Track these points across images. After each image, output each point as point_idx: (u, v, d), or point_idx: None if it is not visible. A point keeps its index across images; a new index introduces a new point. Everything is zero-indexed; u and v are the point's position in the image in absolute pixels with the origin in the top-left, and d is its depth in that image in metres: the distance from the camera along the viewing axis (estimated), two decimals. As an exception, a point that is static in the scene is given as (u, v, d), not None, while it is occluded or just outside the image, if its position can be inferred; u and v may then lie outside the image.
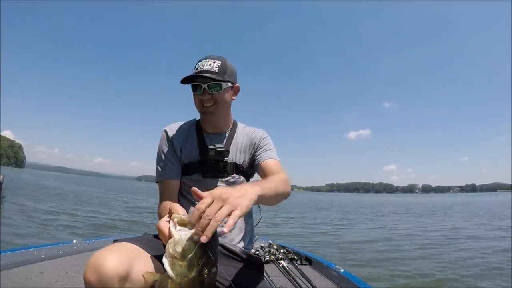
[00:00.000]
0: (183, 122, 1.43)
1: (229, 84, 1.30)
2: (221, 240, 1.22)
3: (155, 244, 1.09)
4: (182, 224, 0.79)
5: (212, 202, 0.73)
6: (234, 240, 1.29)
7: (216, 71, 1.25)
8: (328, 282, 2.13)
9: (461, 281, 4.88)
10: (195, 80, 1.25)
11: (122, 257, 0.89)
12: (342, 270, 2.12)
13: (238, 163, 1.34)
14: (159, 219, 1.12)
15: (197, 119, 1.42)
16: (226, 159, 1.29)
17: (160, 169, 1.34)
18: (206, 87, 1.24)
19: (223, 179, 1.31)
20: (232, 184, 1.30)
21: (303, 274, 2.14)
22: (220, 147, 1.29)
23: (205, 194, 0.74)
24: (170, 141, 1.35)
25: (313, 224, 13.02)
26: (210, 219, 0.70)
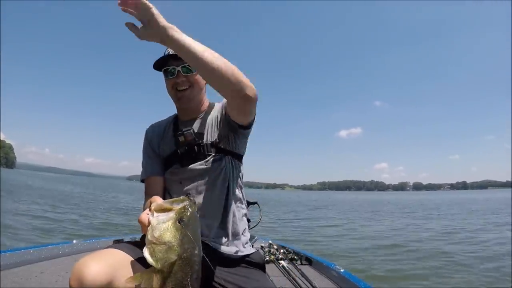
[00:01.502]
0: (165, 118, 1.44)
1: None
2: (214, 243, 1.18)
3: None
4: (161, 210, 0.79)
5: None
6: (226, 241, 1.22)
7: None
8: (328, 282, 2.14)
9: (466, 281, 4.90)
10: (168, 64, 1.23)
11: (104, 266, 0.87)
12: (342, 270, 2.14)
13: (215, 140, 1.24)
14: None
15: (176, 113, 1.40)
16: (201, 142, 1.24)
17: (142, 168, 1.34)
18: (180, 69, 1.21)
19: (201, 161, 1.22)
20: (212, 163, 1.22)
21: (303, 274, 2.15)
22: (187, 130, 1.24)
23: None
24: (150, 139, 1.37)
25: (315, 225, 12.76)
26: None
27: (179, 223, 0.76)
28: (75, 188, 32.94)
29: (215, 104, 1.38)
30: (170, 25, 0.91)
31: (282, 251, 2.66)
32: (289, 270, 2.26)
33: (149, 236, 0.75)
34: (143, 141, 1.39)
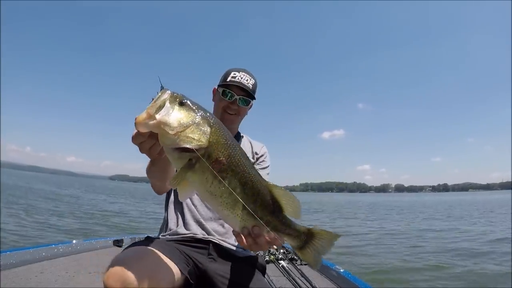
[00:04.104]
0: None
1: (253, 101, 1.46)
2: (219, 239, 1.28)
3: (172, 248, 1.12)
4: (151, 109, 0.67)
5: None
6: (231, 241, 1.31)
7: (251, 88, 1.39)
8: (328, 282, 2.19)
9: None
10: (230, 88, 1.37)
11: (146, 265, 0.89)
12: (341, 270, 2.19)
13: None
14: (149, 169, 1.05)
15: None
16: None
17: None
18: (238, 98, 1.36)
19: None
20: None
21: (302, 274, 2.19)
22: None
23: None
24: None
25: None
26: None
27: (182, 104, 0.69)
28: (46, 187, 30.93)
29: (243, 135, 1.57)
30: None
31: (282, 251, 2.69)
32: (289, 270, 2.30)
33: (169, 132, 0.65)
34: None
